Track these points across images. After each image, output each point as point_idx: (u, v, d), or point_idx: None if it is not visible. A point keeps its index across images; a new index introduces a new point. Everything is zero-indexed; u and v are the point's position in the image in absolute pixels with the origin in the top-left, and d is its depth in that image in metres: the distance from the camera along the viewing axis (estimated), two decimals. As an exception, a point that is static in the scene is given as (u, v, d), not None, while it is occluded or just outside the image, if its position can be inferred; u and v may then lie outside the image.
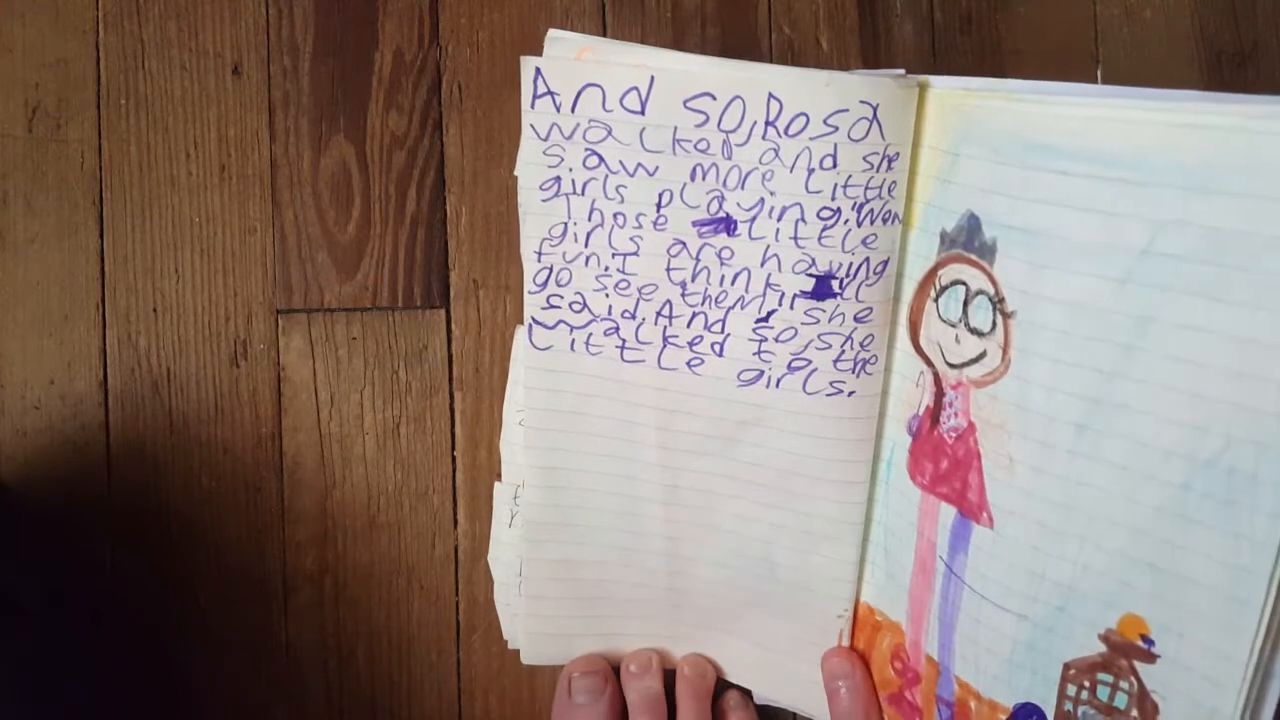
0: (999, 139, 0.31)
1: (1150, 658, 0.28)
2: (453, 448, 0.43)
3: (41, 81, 0.42)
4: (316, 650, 0.42)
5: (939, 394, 0.34)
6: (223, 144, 0.42)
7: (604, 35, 0.43)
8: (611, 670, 0.41)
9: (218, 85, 0.42)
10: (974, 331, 0.33)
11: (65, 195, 0.42)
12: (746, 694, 0.42)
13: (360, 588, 0.42)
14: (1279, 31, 0.45)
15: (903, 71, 0.35)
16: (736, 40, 0.43)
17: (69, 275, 0.42)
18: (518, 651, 0.42)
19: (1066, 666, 0.30)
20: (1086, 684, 0.30)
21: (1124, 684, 0.29)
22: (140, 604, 0.41)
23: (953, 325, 0.34)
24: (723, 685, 0.42)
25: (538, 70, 0.35)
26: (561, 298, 0.37)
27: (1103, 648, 0.29)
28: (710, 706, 0.41)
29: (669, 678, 0.42)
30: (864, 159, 0.34)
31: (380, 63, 0.42)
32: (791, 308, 0.36)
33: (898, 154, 0.34)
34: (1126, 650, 0.28)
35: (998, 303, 0.31)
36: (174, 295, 0.42)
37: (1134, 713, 0.28)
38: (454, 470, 0.43)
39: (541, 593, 0.41)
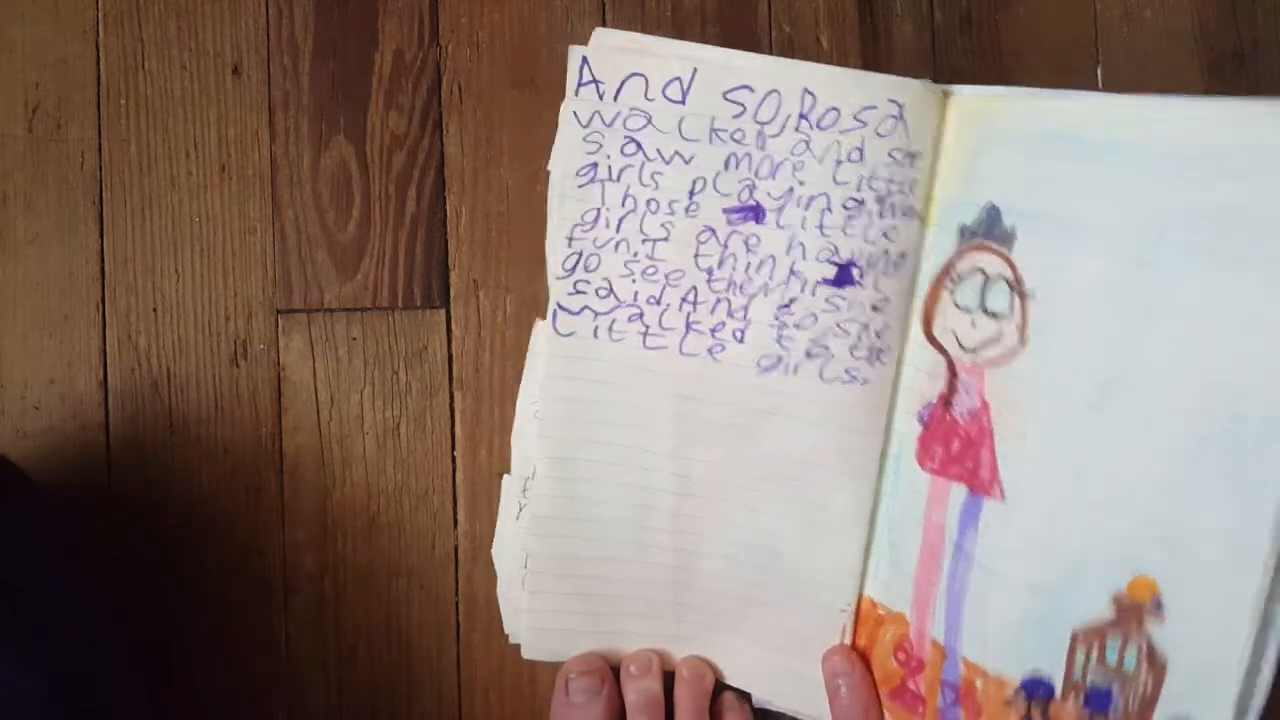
0: (1020, 134, 0.33)
1: (1161, 616, 0.29)
2: (453, 448, 0.43)
3: (41, 81, 0.42)
4: (316, 650, 0.42)
5: (952, 378, 0.36)
6: (223, 144, 0.42)
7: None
8: (609, 670, 0.41)
9: (218, 85, 0.42)
10: (991, 315, 0.34)
11: (65, 195, 0.42)
12: (743, 696, 0.42)
13: (360, 588, 0.42)
14: (1279, 31, 0.45)
15: (930, 80, 0.36)
16: (736, 39, 0.43)
17: (69, 275, 0.42)
18: (518, 651, 0.42)
19: (1075, 635, 0.31)
20: (1096, 647, 0.31)
21: (1133, 644, 0.30)
22: (140, 604, 0.41)
23: (969, 311, 0.35)
24: (720, 686, 0.42)
25: (584, 59, 0.36)
26: (589, 283, 0.38)
27: (1111, 612, 0.30)
28: (709, 709, 0.41)
29: (668, 679, 0.42)
30: (889, 154, 0.36)
31: (380, 63, 0.42)
32: (813, 294, 0.37)
33: (919, 153, 0.36)
34: (1137, 611, 0.29)
35: (1016, 285, 0.33)
36: (174, 295, 0.42)
37: (1143, 672, 0.29)
38: (454, 470, 0.43)
39: (545, 587, 0.41)
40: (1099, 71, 0.45)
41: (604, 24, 0.43)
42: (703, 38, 0.43)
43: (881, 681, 0.39)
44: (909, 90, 0.36)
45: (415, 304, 0.42)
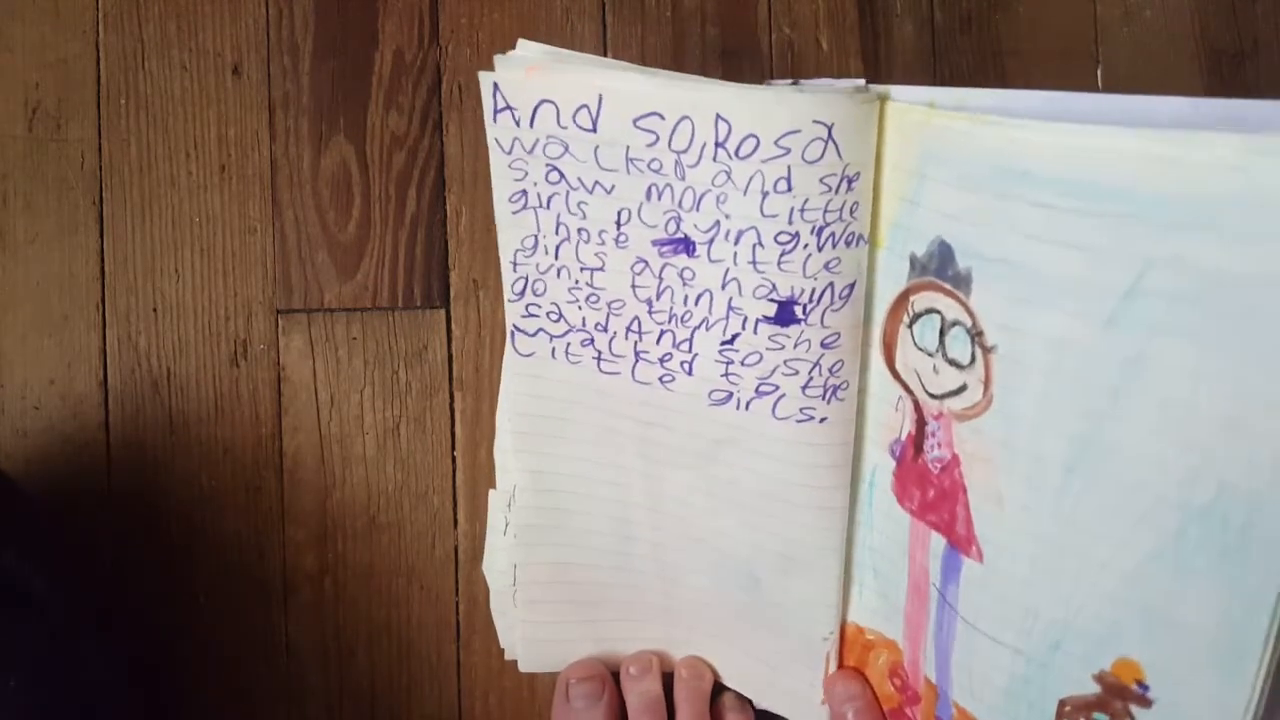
0: (968, 163, 0.29)
1: (1145, 702, 0.27)
2: (453, 448, 0.43)
3: (41, 81, 0.42)
4: (316, 650, 0.42)
5: (920, 422, 0.33)
6: (223, 144, 0.42)
7: (604, 35, 0.43)
8: (609, 674, 0.41)
9: (218, 85, 0.42)
10: (953, 363, 0.31)
11: (65, 195, 0.42)
12: (744, 696, 0.42)
13: (360, 588, 0.42)
14: (1279, 31, 0.45)
15: (863, 81, 0.34)
16: (736, 40, 0.43)
17: (69, 275, 0.42)
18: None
19: (1062, 703, 0.30)
20: None
21: None
22: (140, 604, 0.41)
23: (930, 355, 0.32)
24: (719, 686, 0.42)
25: (495, 85, 0.34)
26: (539, 307, 0.37)
27: (1097, 688, 0.28)
28: (708, 708, 0.41)
29: (667, 680, 0.42)
30: (821, 181, 0.32)
31: (380, 63, 0.42)
32: (755, 332, 0.34)
33: (858, 174, 0.32)
34: (1121, 692, 0.28)
35: (976, 335, 0.30)
36: (174, 295, 0.42)
37: None
38: (454, 470, 0.43)
39: (537, 598, 0.40)
40: (1099, 71, 0.45)
41: (604, 24, 0.43)
42: (703, 38, 0.43)
43: (880, 701, 0.38)
44: (836, 107, 0.31)
45: (415, 304, 0.42)
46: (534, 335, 0.37)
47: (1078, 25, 0.45)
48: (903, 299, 0.33)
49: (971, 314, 0.30)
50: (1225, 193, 0.24)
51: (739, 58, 0.43)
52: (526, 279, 0.37)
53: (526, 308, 0.37)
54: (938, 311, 0.32)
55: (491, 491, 0.41)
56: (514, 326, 0.38)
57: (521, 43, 0.35)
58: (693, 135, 0.32)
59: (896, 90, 0.32)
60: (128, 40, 0.42)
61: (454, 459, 0.43)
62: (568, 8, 0.43)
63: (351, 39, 0.42)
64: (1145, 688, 0.27)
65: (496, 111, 0.34)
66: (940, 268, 0.31)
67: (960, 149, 0.30)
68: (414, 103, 0.42)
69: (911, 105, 0.32)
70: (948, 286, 0.31)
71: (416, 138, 0.42)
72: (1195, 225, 0.24)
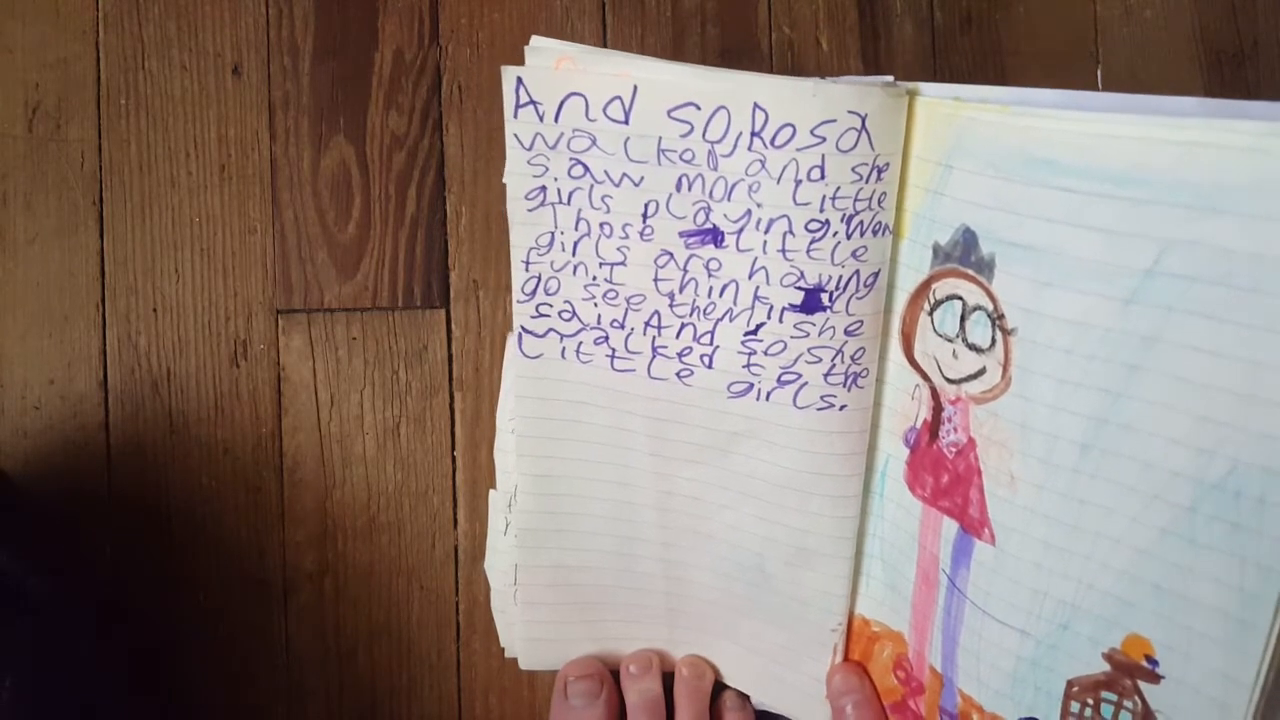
0: (996, 153, 0.31)
1: (1155, 678, 0.28)
2: (453, 448, 0.43)
3: (41, 81, 0.42)
4: (316, 650, 0.42)
5: (937, 408, 0.34)
6: (223, 144, 0.42)
7: (604, 35, 0.43)
8: (608, 672, 0.41)
9: (218, 85, 0.42)
10: (972, 347, 0.32)
11: (65, 195, 0.42)
12: (744, 695, 0.42)
13: (360, 588, 0.42)
14: (1279, 31, 0.45)
15: (891, 78, 0.34)
16: (736, 40, 0.43)
17: (69, 275, 0.42)
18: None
19: (1070, 684, 0.30)
20: (1090, 701, 0.30)
21: (1128, 703, 0.28)
22: (140, 604, 0.41)
23: (949, 340, 0.33)
24: (720, 686, 0.42)
25: (519, 79, 0.34)
26: (550, 306, 0.37)
27: (1106, 666, 0.29)
28: (708, 708, 0.41)
29: (667, 679, 0.42)
30: (853, 170, 0.33)
31: (380, 63, 0.42)
32: (780, 321, 0.35)
33: (888, 164, 0.33)
34: (1130, 670, 0.28)
35: (997, 319, 0.31)
36: (174, 295, 0.42)
37: None
38: (454, 470, 0.43)
39: (538, 599, 0.40)
40: (1099, 71, 0.45)
41: (604, 24, 0.43)
42: (702, 38, 0.43)
43: (882, 695, 0.38)
44: (870, 99, 0.32)
45: (415, 304, 0.42)
46: (543, 336, 0.37)
47: (1078, 25, 0.45)
48: (924, 287, 0.34)
49: (993, 298, 0.31)
50: (1242, 177, 0.25)
51: (739, 57, 0.43)
52: (539, 278, 0.37)
53: (537, 307, 0.37)
54: (959, 297, 0.33)
55: (492, 492, 0.42)
56: (522, 328, 0.37)
57: (535, 39, 0.35)
58: (728, 125, 0.33)
59: (923, 86, 0.34)
60: (128, 40, 0.42)
61: (454, 459, 0.43)
62: (568, 7, 0.43)
63: (351, 39, 0.42)
64: (1155, 663, 0.28)
65: (518, 106, 0.34)
66: (964, 254, 0.32)
67: (988, 139, 0.31)
68: (414, 103, 0.42)
69: (939, 99, 0.33)
70: (970, 272, 0.32)
71: (416, 138, 0.42)
72: (1213, 208, 0.25)
